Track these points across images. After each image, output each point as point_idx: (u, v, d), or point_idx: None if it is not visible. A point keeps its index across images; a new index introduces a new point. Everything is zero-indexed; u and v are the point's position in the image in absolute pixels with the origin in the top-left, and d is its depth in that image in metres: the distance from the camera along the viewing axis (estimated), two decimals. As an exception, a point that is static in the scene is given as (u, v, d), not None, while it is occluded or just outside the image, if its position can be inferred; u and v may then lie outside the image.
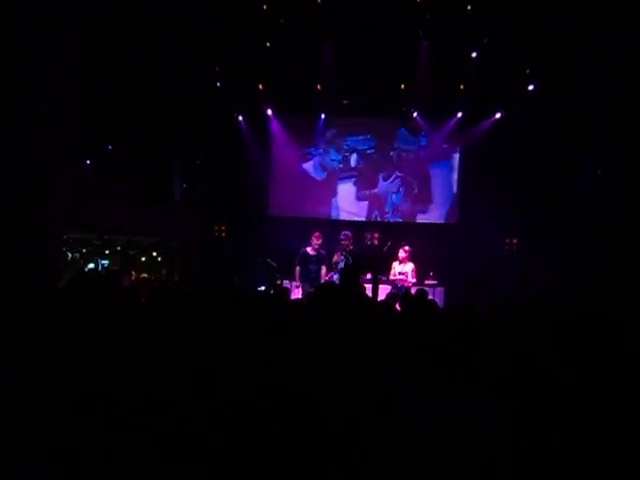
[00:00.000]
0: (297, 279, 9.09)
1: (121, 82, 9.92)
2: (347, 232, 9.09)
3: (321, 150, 12.39)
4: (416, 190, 12.21)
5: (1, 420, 1.82)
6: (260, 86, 11.67)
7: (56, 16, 6.02)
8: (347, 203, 12.33)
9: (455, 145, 12.19)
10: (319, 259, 8.98)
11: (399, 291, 8.53)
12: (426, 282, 10.16)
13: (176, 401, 1.99)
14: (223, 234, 12.18)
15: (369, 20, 10.54)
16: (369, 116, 12.15)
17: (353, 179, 12.37)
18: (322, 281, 8.56)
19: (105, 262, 12.11)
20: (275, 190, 12.42)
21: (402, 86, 11.56)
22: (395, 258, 9.50)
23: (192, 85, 11.09)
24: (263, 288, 10.26)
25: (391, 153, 12.31)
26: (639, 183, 9.49)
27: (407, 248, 9.43)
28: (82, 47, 6.61)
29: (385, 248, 10.09)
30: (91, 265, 11.84)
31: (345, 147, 12.38)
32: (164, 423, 1.91)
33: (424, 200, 12.22)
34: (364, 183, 12.32)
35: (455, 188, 12.14)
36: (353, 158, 12.38)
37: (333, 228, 10.22)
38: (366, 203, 12.31)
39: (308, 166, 12.44)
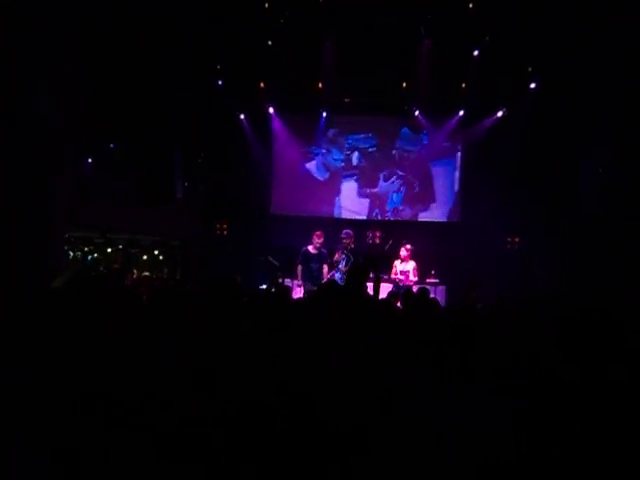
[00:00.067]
0: (299, 278, 9.09)
1: (123, 81, 9.92)
2: (348, 231, 9.08)
3: (324, 150, 12.39)
4: (417, 189, 12.20)
5: (1, 420, 1.82)
6: (262, 84, 11.66)
7: (56, 16, 6.02)
8: (349, 201, 12.33)
9: (457, 143, 12.18)
10: (321, 258, 8.98)
11: (400, 290, 8.53)
12: (428, 280, 10.16)
13: (178, 399, 1.99)
14: (225, 232, 12.19)
15: (371, 18, 10.53)
16: (371, 114, 12.14)
17: (355, 177, 12.37)
18: (324, 280, 8.55)
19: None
20: (277, 188, 12.41)
21: (404, 84, 11.55)
22: (397, 257, 9.50)
23: (194, 84, 11.09)
24: (264, 286, 10.26)
25: (393, 152, 12.31)
26: (641, 181, 9.49)
27: (408, 247, 9.43)
28: (83, 47, 6.60)
29: (386, 247, 10.09)
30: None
31: (347, 145, 12.38)
32: (165, 422, 1.91)
33: (425, 199, 12.22)
34: (365, 181, 12.32)
35: (457, 186, 12.13)
36: (355, 156, 12.37)
37: (334, 227, 10.22)
38: (367, 201, 12.31)
39: (311, 166, 12.43)
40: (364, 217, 12.22)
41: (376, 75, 11.33)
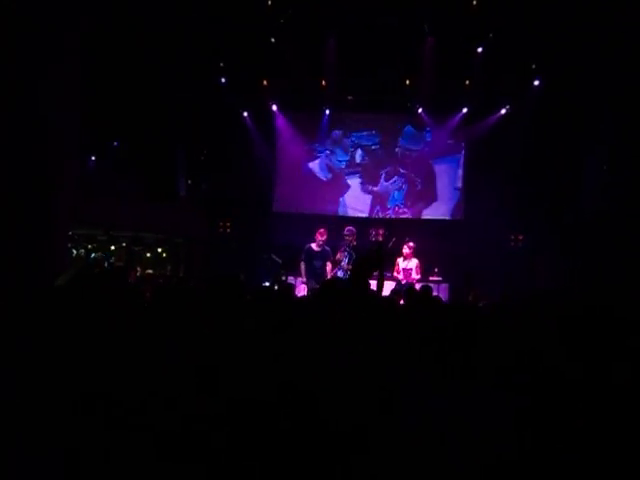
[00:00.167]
0: (302, 275, 9.09)
1: (126, 79, 9.93)
2: (351, 228, 9.09)
3: (327, 151, 12.39)
4: (419, 187, 12.19)
5: (1, 420, 1.83)
6: (265, 82, 11.66)
7: (56, 16, 6.01)
8: (351, 199, 12.33)
9: (460, 141, 12.16)
10: (324, 255, 8.97)
11: (403, 287, 8.52)
12: (431, 278, 10.16)
13: (180, 398, 1.99)
14: (228, 230, 12.19)
15: (374, 16, 10.51)
16: (374, 112, 12.13)
17: (358, 175, 12.37)
18: (327, 277, 8.55)
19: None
20: (280, 186, 12.42)
21: (407, 82, 11.53)
22: (400, 254, 9.49)
23: (197, 81, 11.09)
24: (267, 284, 10.28)
25: (396, 149, 12.30)
26: (645, 179, 9.47)
27: (411, 244, 9.42)
28: (85, 45, 6.60)
29: (390, 244, 10.08)
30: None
31: (350, 143, 12.37)
32: (167, 421, 1.91)
33: (428, 197, 12.21)
34: (368, 179, 12.33)
35: (460, 184, 12.11)
36: (358, 154, 12.38)
37: (337, 224, 10.21)
38: (369, 199, 12.31)
39: (314, 165, 12.44)
40: (366, 215, 12.22)
41: (379, 73, 11.32)
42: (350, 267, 8.59)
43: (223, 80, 11.58)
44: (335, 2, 10.35)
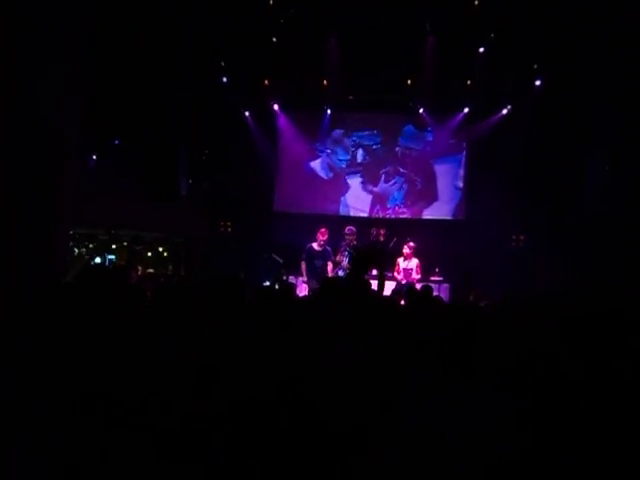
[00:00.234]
0: (303, 274, 9.09)
1: (127, 78, 9.93)
2: (351, 227, 9.10)
3: (328, 150, 12.39)
4: (419, 186, 12.17)
5: (1, 420, 1.82)
6: (266, 82, 11.66)
7: (56, 16, 6.00)
8: (352, 198, 12.33)
9: (462, 141, 12.14)
10: (325, 255, 8.98)
11: (404, 288, 8.52)
12: (432, 278, 10.15)
13: (180, 397, 1.99)
14: (229, 230, 12.19)
15: (375, 15, 10.49)
16: (375, 112, 12.13)
17: (359, 174, 12.36)
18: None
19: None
20: (281, 186, 12.42)
21: (408, 81, 11.52)
22: (400, 254, 9.49)
23: (198, 81, 11.09)
24: (268, 283, 10.28)
25: (396, 149, 12.29)
26: (646, 179, 9.45)
27: (411, 244, 9.41)
28: (86, 45, 6.59)
29: (391, 244, 10.07)
30: (97, 259, 11.92)
31: (351, 143, 12.37)
32: (167, 421, 1.91)
33: (428, 196, 12.19)
34: (368, 179, 12.32)
35: (461, 184, 12.10)
36: (359, 154, 12.38)
37: (338, 224, 10.21)
38: (370, 198, 12.30)
39: (315, 165, 12.44)
40: (366, 214, 12.21)
41: (381, 72, 11.31)
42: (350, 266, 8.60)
43: (224, 79, 11.58)
44: (336, 2, 10.33)
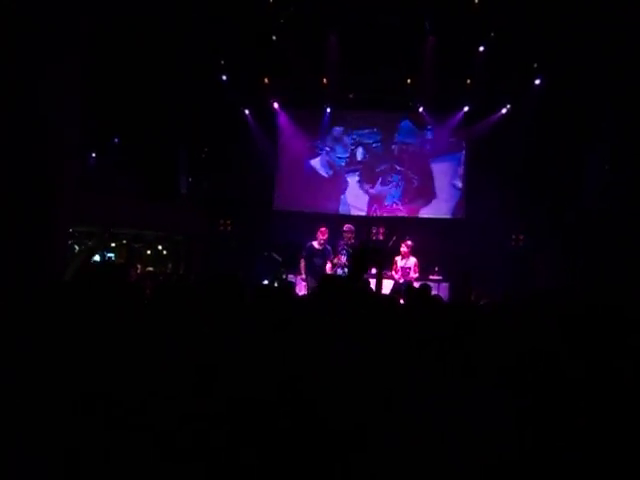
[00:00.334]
0: (302, 272, 9.10)
1: (127, 77, 9.92)
2: (350, 225, 9.11)
3: (327, 148, 12.39)
4: (416, 184, 12.15)
5: (1, 420, 1.82)
6: (266, 80, 11.65)
7: (56, 16, 6.00)
8: (352, 197, 12.32)
9: (461, 140, 12.13)
10: (324, 254, 8.99)
11: (402, 286, 8.52)
12: (431, 277, 10.15)
13: (179, 396, 1.99)
14: (229, 228, 12.19)
15: (375, 14, 10.49)
16: (375, 110, 12.12)
17: (358, 172, 12.36)
18: (327, 275, 8.56)
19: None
20: (281, 184, 12.42)
21: (408, 80, 11.52)
22: (398, 253, 9.48)
23: (198, 79, 11.08)
24: (266, 282, 10.28)
25: (392, 146, 12.28)
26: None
27: (409, 243, 9.40)
28: (86, 45, 6.59)
29: (390, 243, 10.07)
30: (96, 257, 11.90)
31: (351, 141, 12.36)
32: (167, 419, 1.90)
33: (426, 194, 12.17)
34: (367, 177, 12.31)
35: (461, 183, 12.09)
36: (359, 152, 12.37)
37: (338, 223, 10.21)
38: (367, 197, 12.29)
39: (315, 162, 12.44)
40: (364, 213, 12.20)
41: (380, 71, 11.31)
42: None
43: (224, 78, 11.57)
44: (336, 0, 10.33)
